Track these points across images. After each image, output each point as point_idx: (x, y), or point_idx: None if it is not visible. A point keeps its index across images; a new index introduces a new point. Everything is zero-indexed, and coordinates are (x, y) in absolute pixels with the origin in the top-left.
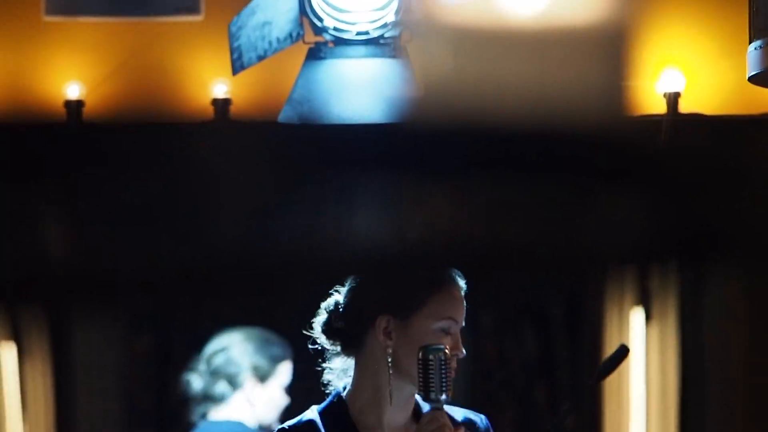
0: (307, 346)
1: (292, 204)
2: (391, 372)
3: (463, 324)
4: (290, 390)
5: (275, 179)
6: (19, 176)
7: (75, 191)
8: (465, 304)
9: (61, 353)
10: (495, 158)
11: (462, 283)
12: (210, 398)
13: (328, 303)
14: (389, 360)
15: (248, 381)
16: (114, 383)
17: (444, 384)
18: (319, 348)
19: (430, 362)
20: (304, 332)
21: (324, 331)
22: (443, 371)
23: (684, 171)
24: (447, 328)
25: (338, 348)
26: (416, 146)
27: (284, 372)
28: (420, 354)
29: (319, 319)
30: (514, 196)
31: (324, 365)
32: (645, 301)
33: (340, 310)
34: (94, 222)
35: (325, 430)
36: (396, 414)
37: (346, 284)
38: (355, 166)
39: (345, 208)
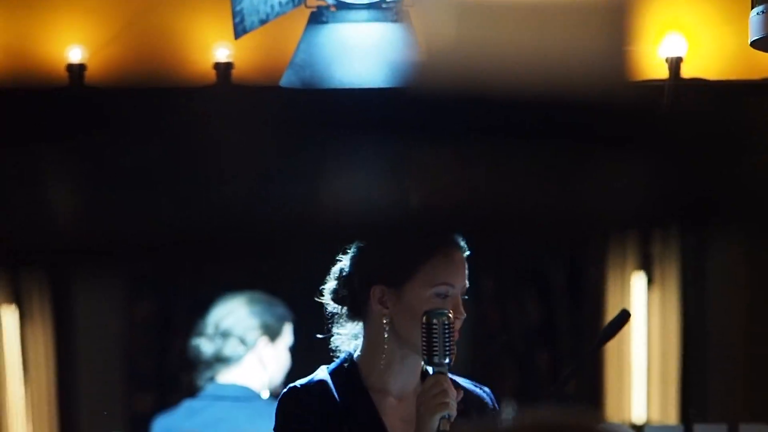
0: (306, 309)
1: (293, 168)
2: (387, 338)
3: (467, 286)
4: (291, 352)
5: (277, 143)
6: (21, 140)
7: (77, 155)
8: (466, 266)
9: (62, 317)
10: (497, 124)
11: (462, 245)
12: (221, 360)
13: (335, 270)
14: (386, 328)
15: (260, 340)
16: (115, 347)
17: (447, 348)
18: (330, 313)
19: (434, 326)
20: (315, 299)
21: (332, 298)
22: (446, 335)
23: (686, 136)
24: (443, 294)
25: (347, 314)
26: (418, 111)
27: (289, 333)
28: (423, 318)
29: (328, 286)
30: (516, 162)
31: (334, 331)
32: (646, 266)
33: (344, 277)
34: (96, 186)
35: (336, 390)
36: (403, 380)
37: (350, 250)
38: (357, 130)
39: (346, 173)
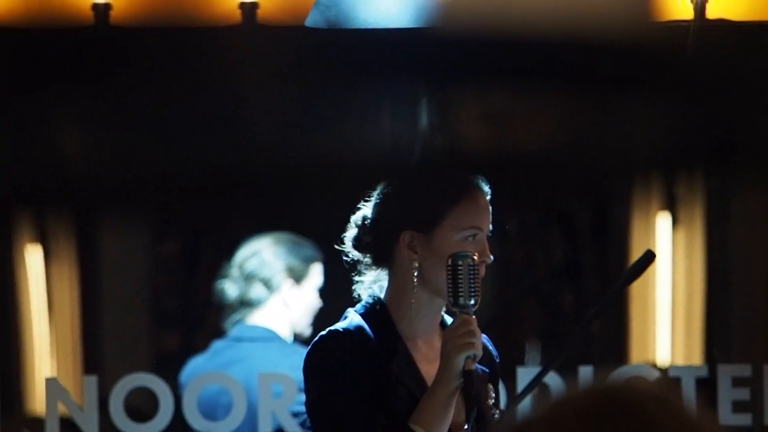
0: (334, 250)
1: (318, 109)
2: (416, 283)
3: (491, 229)
4: (322, 294)
5: (302, 84)
6: (47, 80)
7: (103, 95)
8: (490, 209)
9: (87, 257)
10: (521, 65)
11: (486, 188)
12: (246, 303)
13: (357, 217)
14: (415, 273)
15: (284, 283)
16: (140, 286)
17: (473, 290)
18: (352, 261)
19: (459, 268)
20: (336, 247)
21: (355, 246)
22: (472, 277)
23: (711, 77)
24: (471, 237)
25: (370, 261)
26: (443, 52)
27: (317, 274)
28: (449, 261)
29: (350, 234)
30: (540, 103)
31: (356, 278)
32: (671, 206)
33: (368, 224)
34: (122, 125)
35: (373, 334)
36: (427, 323)
37: (373, 197)
38: (383, 71)
39: (371, 114)
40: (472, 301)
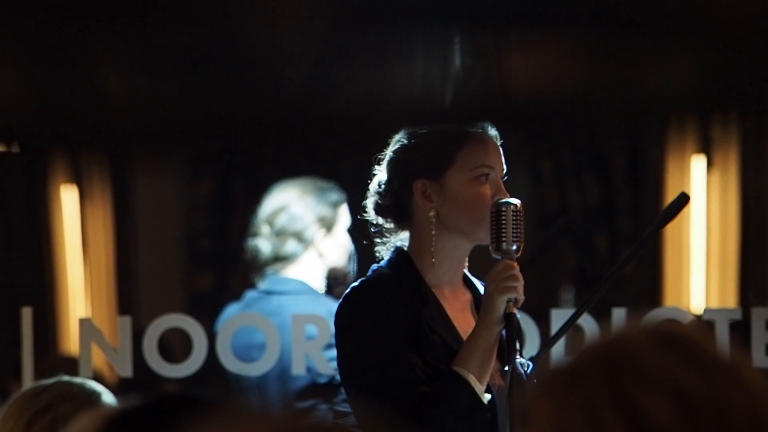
0: (361, 192)
1: (351, 51)
2: (434, 231)
3: (504, 170)
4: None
5: (334, 24)
6: (81, 19)
7: (136, 36)
8: (500, 151)
9: (121, 196)
10: (554, 9)
11: (493, 132)
12: (280, 259)
13: (374, 183)
14: (432, 221)
15: (317, 233)
16: (174, 227)
17: (515, 235)
18: (376, 228)
19: (503, 213)
20: (360, 216)
21: (376, 211)
22: (515, 222)
23: (745, 20)
24: (484, 176)
25: (392, 223)
26: None
27: (345, 215)
28: (492, 207)
29: (370, 200)
30: (574, 46)
31: (379, 241)
32: (706, 149)
33: (384, 186)
34: (153, 66)
35: (402, 283)
36: (453, 271)
37: (383, 158)
38: (417, 13)
39: (404, 58)
40: (515, 246)
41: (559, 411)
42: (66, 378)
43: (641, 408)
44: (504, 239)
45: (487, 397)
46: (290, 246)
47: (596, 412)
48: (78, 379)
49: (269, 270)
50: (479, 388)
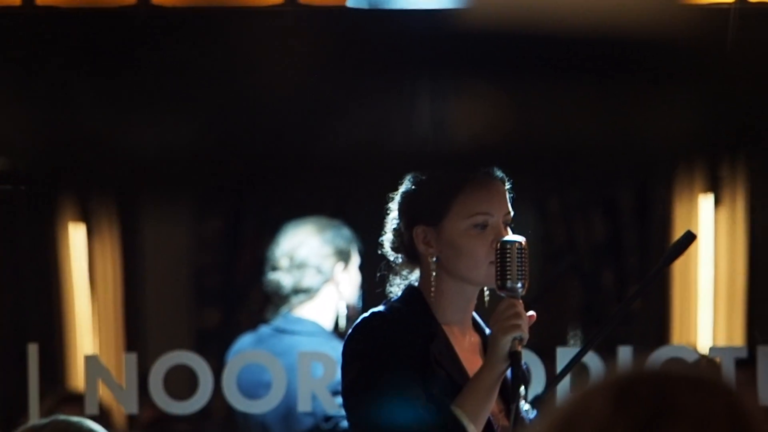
0: (368, 232)
1: (358, 93)
2: (435, 275)
3: (510, 213)
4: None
5: (343, 66)
6: (90, 60)
7: (146, 76)
8: (504, 195)
9: (128, 234)
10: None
11: (498, 175)
12: (300, 292)
13: (390, 219)
14: (433, 266)
15: (336, 267)
16: (181, 264)
17: (520, 273)
18: (394, 263)
19: (507, 251)
20: (379, 252)
21: (390, 248)
22: (519, 260)
23: (753, 60)
24: (481, 224)
25: (403, 261)
26: (485, 37)
27: (357, 253)
28: (497, 244)
29: (386, 237)
30: (584, 92)
31: (392, 278)
32: (714, 187)
33: (394, 227)
34: (163, 104)
35: (412, 319)
36: (461, 313)
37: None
38: (423, 57)
39: (409, 101)
40: (520, 284)
41: None
42: (62, 417)
43: None
44: (509, 277)
45: None
46: (311, 279)
47: None
48: (74, 418)
49: (288, 304)
50: (472, 429)
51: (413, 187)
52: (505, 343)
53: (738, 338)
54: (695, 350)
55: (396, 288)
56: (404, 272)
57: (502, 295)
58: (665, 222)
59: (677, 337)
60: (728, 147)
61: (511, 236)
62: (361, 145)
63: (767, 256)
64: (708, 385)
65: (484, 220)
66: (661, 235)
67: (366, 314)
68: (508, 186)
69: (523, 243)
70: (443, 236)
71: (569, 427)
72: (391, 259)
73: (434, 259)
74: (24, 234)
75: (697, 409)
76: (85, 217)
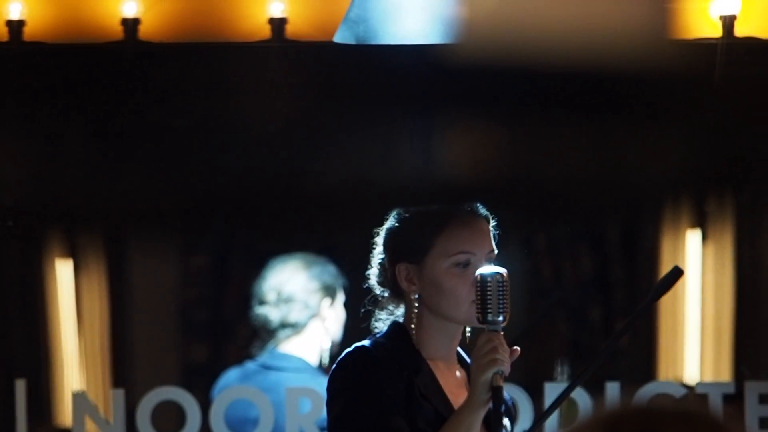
0: (354, 269)
1: (346, 128)
2: (417, 313)
3: (493, 251)
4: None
5: (330, 101)
6: (77, 96)
7: (133, 111)
8: (488, 233)
9: (116, 270)
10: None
11: (482, 212)
12: (287, 326)
13: (375, 254)
14: (415, 304)
15: (322, 302)
16: (168, 300)
17: (501, 306)
18: (380, 297)
19: (488, 284)
20: (365, 285)
21: (376, 282)
22: (500, 293)
23: (741, 95)
24: (462, 262)
25: (389, 296)
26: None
27: (342, 291)
28: (478, 277)
29: (372, 271)
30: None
31: (377, 312)
32: (701, 223)
33: (379, 262)
34: (150, 140)
35: (396, 353)
36: (446, 349)
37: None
38: (412, 93)
39: (398, 136)
40: (501, 317)
41: None
42: None
43: None
44: (489, 311)
45: None
46: (298, 313)
47: None
48: None
49: (275, 339)
50: None
51: (397, 223)
52: (484, 382)
53: (725, 374)
54: (682, 386)
55: (381, 324)
56: (390, 307)
57: (484, 327)
58: (653, 257)
59: (664, 372)
60: (715, 181)
61: (490, 268)
62: (347, 181)
63: (755, 290)
64: (694, 420)
65: (467, 258)
66: (649, 270)
67: (350, 348)
68: (493, 223)
69: (504, 275)
70: (425, 274)
71: None
72: (378, 293)
73: (416, 296)
74: (11, 269)
75: None
76: (73, 253)
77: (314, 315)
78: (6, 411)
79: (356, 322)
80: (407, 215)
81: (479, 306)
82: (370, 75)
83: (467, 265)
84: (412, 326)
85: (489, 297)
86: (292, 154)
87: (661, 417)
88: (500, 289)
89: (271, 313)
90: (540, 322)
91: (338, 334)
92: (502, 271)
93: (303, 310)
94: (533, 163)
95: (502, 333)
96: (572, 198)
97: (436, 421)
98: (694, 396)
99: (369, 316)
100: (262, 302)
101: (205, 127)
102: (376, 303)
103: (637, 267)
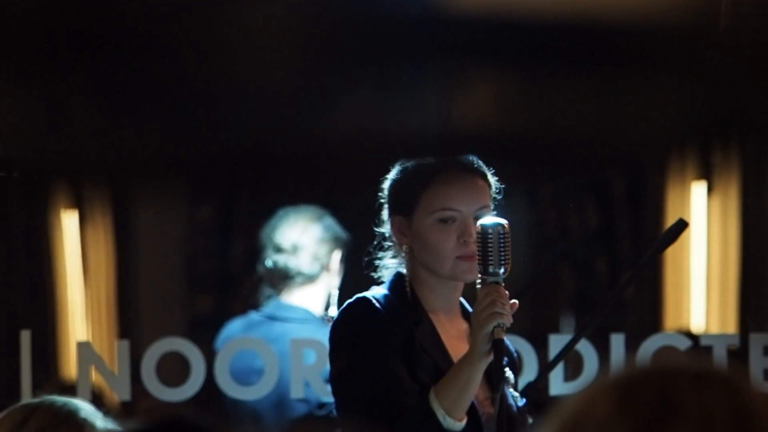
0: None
1: (349, 80)
2: (408, 264)
3: (484, 206)
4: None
5: (336, 53)
6: (86, 51)
7: (137, 64)
8: (475, 189)
9: (121, 221)
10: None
11: (473, 167)
12: (299, 275)
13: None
14: (408, 257)
15: (331, 253)
16: (174, 251)
17: (502, 258)
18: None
19: (489, 236)
20: (375, 230)
21: (385, 233)
22: (501, 245)
23: (745, 46)
24: (447, 218)
25: (392, 244)
26: (477, 25)
27: (348, 239)
28: (478, 228)
29: (383, 218)
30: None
31: (382, 262)
32: (707, 174)
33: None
34: (156, 96)
35: (397, 304)
36: (444, 299)
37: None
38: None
39: (401, 88)
40: (501, 269)
41: None
42: (54, 397)
43: None
44: (491, 262)
45: (460, 425)
46: (306, 265)
47: None
48: (66, 399)
49: (281, 290)
50: (449, 421)
51: (394, 176)
52: (484, 336)
53: (731, 325)
54: (688, 337)
55: (386, 272)
56: (395, 255)
57: (485, 279)
58: (658, 209)
59: (670, 324)
60: (721, 133)
61: (491, 219)
62: (353, 132)
63: (760, 242)
64: (712, 382)
65: (450, 215)
66: (654, 222)
67: (351, 299)
68: (492, 177)
69: (505, 226)
70: (413, 228)
71: (574, 430)
72: (387, 236)
73: (405, 248)
74: (16, 221)
75: (701, 408)
76: (78, 204)
77: (323, 266)
78: (11, 361)
79: (357, 277)
80: (406, 168)
81: (480, 258)
82: (375, 27)
83: (452, 222)
84: (408, 279)
85: (490, 248)
86: (297, 106)
87: (678, 380)
88: (501, 240)
89: (288, 261)
90: (545, 273)
91: (343, 285)
92: (504, 222)
93: (312, 261)
94: (538, 115)
95: (503, 285)
96: (577, 149)
97: (435, 372)
98: (699, 348)
99: (371, 263)
100: (269, 254)
101: (211, 79)
102: (382, 249)
103: (642, 218)
